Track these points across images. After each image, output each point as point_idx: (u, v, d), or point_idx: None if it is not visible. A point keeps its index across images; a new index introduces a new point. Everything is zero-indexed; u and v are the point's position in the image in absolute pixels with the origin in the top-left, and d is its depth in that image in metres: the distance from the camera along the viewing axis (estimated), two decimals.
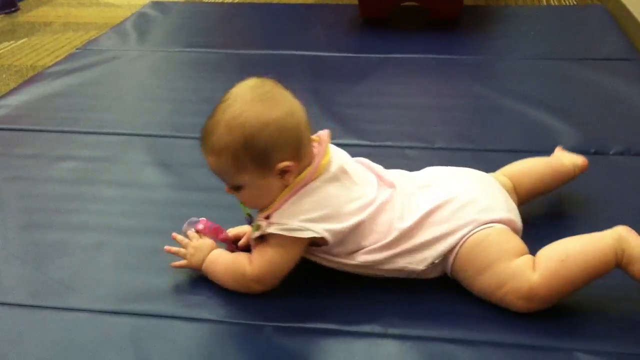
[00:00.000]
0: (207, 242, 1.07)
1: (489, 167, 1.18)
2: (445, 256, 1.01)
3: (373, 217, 1.01)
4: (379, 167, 1.10)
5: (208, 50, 2.08)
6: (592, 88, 1.70)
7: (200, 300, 1.03)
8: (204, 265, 1.05)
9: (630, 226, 0.97)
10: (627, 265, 0.93)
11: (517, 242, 1.00)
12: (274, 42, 2.13)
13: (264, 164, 0.97)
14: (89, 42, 2.22)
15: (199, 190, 1.30)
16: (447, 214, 1.01)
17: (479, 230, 0.99)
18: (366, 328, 0.97)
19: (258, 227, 1.01)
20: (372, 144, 1.48)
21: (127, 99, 1.79)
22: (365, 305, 1.01)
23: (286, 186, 0.99)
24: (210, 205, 1.22)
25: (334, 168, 1.01)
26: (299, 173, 0.99)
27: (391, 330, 0.96)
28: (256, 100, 0.97)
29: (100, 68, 1.96)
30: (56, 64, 2.03)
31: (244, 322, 0.99)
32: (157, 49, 2.12)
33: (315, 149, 1.02)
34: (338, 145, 1.43)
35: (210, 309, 1.02)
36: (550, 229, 1.14)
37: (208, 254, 1.05)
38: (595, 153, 1.39)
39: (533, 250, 0.99)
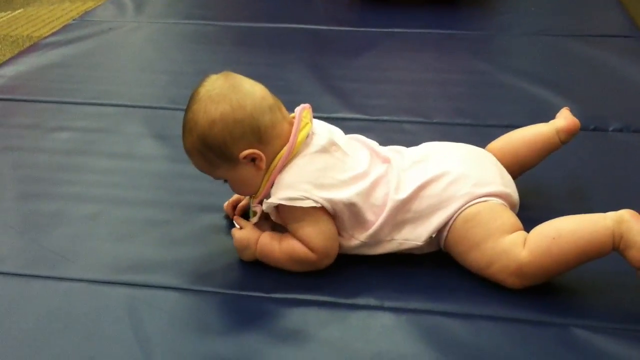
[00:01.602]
0: (250, 236, 1.03)
1: (487, 142, 1.18)
2: (439, 230, 1.00)
3: (369, 192, 1.01)
4: (373, 143, 1.09)
5: (206, 22, 2.06)
6: (591, 64, 1.70)
7: (196, 271, 1.03)
8: (259, 257, 1.03)
9: (628, 202, 0.95)
10: (625, 250, 0.91)
11: (510, 218, 1.00)
12: (273, 15, 2.11)
13: (228, 158, 0.98)
14: (86, 13, 2.20)
15: None
16: (442, 186, 1.01)
17: (472, 204, 0.99)
18: (362, 301, 0.97)
19: (254, 213, 1.02)
20: (371, 118, 1.48)
21: (124, 70, 1.78)
22: (361, 279, 1.01)
23: (262, 170, 0.99)
24: (206, 177, 1.21)
25: (321, 141, 1.01)
26: (274, 155, 0.99)
27: (387, 303, 0.96)
28: (206, 99, 0.98)
29: (97, 39, 1.95)
30: (52, 34, 2.01)
31: (241, 293, 0.99)
32: (155, 20, 2.10)
33: (293, 127, 1.01)
34: (337, 119, 1.44)
35: (206, 279, 1.02)
36: (547, 205, 1.14)
37: (255, 248, 1.02)
38: (595, 129, 1.39)
39: (529, 230, 0.99)
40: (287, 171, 0.99)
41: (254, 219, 1.03)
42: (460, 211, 0.99)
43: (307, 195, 0.98)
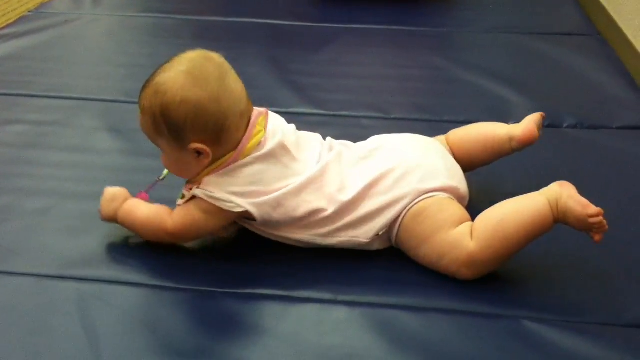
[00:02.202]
0: (121, 193, 1.06)
1: None
2: (389, 227, 1.00)
3: (300, 190, 0.99)
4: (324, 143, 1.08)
5: (164, 15, 2.03)
6: (548, 62, 1.72)
7: (147, 265, 1.02)
8: (118, 215, 1.04)
9: (583, 197, 0.96)
10: (564, 218, 0.94)
11: (456, 211, 1.00)
12: (232, 9, 2.09)
13: (177, 138, 0.96)
14: (42, 4, 2.15)
15: (149, 157, 1.26)
16: (389, 184, 1.00)
17: (420, 201, 0.99)
18: (316, 294, 0.97)
19: (183, 196, 1.01)
20: (329, 113, 1.47)
21: (80, 63, 1.75)
22: (314, 272, 1.01)
23: (203, 165, 0.98)
24: (160, 171, 1.19)
25: (270, 145, 0.99)
26: (221, 156, 0.98)
27: (341, 297, 0.96)
28: (189, 73, 0.95)
29: (53, 31, 1.91)
30: (7, 26, 1.97)
31: (192, 287, 0.98)
32: (112, 13, 2.07)
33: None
34: (295, 113, 1.44)
35: (157, 274, 1.00)
36: (499, 200, 1.14)
37: (121, 204, 1.04)
38: (549, 126, 1.40)
39: None
40: (227, 171, 0.98)
41: (180, 201, 1.01)
42: (407, 208, 0.99)
43: (233, 200, 0.97)
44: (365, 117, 1.46)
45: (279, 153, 1.00)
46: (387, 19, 2.01)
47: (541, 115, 1.15)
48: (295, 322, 0.93)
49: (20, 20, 2.01)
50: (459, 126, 1.34)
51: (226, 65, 0.99)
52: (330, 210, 0.99)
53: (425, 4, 2.15)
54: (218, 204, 0.97)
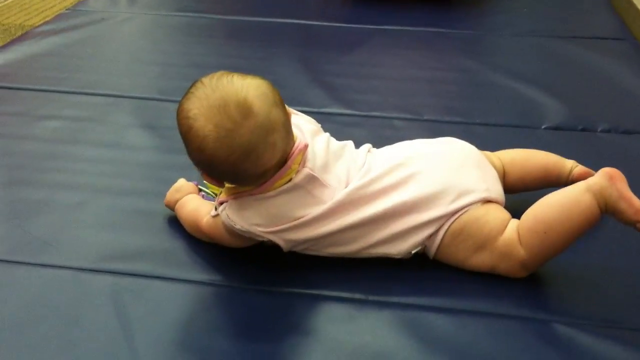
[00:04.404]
0: (187, 186, 1.11)
1: (477, 140, 1.16)
2: (425, 245, 0.99)
3: (325, 217, 0.97)
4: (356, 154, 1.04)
5: (199, 15, 2.06)
6: (582, 66, 1.70)
7: (182, 261, 1.03)
8: (175, 206, 1.09)
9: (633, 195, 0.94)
10: (614, 214, 0.91)
11: (496, 218, 0.97)
12: (265, 10, 2.11)
13: (199, 168, 0.96)
14: (79, 3, 2.19)
15: (182, 153, 1.27)
16: (420, 204, 0.97)
17: (455, 219, 0.97)
18: (347, 294, 0.97)
19: (215, 208, 1.01)
20: (360, 113, 1.48)
21: (114, 60, 1.77)
22: (346, 272, 1.01)
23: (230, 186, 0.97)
24: (193, 167, 1.20)
25: (298, 178, 0.95)
26: (249, 183, 0.95)
27: (371, 297, 0.97)
28: (213, 117, 0.88)
29: (89, 29, 1.94)
30: (44, 23, 2.00)
31: (226, 284, 0.99)
32: (147, 12, 2.09)
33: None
34: (326, 113, 1.44)
35: (192, 270, 1.02)
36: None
37: (183, 197, 1.09)
38: (583, 130, 1.40)
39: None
40: (248, 203, 0.96)
41: (213, 212, 1.01)
42: (445, 230, 0.97)
43: (254, 231, 0.96)
44: (396, 118, 1.46)
45: (307, 183, 0.96)
46: (419, 20, 2.01)
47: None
48: (326, 320, 0.93)
49: (58, 17, 2.04)
50: (490, 129, 1.34)
51: (273, 117, 0.90)
52: (357, 230, 0.98)
53: (457, 6, 2.15)
54: (240, 233, 0.97)
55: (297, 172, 0.95)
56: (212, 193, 1.11)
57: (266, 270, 1.01)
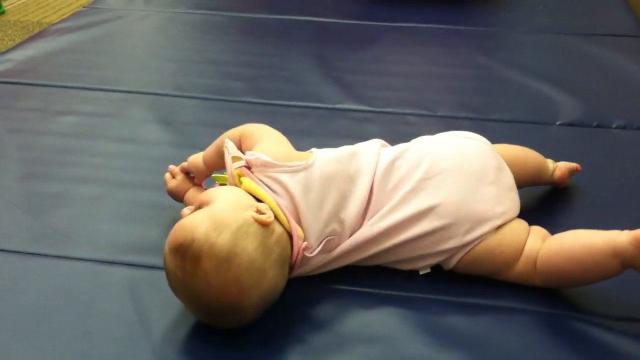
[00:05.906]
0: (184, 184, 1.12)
1: (491, 136, 1.16)
2: (438, 265, 0.99)
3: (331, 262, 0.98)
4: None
5: (214, 12, 2.07)
6: (596, 63, 1.70)
7: None
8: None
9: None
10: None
11: (511, 245, 0.96)
12: (279, 7, 2.12)
13: None
14: (95, 0, 2.21)
15: (198, 149, 1.29)
16: (430, 234, 0.96)
17: (470, 250, 0.96)
18: (360, 287, 0.98)
19: None
20: (374, 109, 1.48)
21: (131, 57, 1.79)
22: (360, 267, 1.00)
23: None
24: None
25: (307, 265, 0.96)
26: None
27: (384, 291, 0.97)
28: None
29: (106, 26, 1.96)
30: (62, 21, 2.03)
31: None
32: (163, 9, 2.11)
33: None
34: (340, 109, 1.45)
35: None
36: (551, 201, 1.16)
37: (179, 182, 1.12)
38: (598, 126, 1.39)
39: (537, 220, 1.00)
40: None
41: None
42: (456, 258, 0.97)
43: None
44: (411, 114, 1.46)
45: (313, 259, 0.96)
46: (433, 17, 2.01)
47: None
48: (339, 313, 0.93)
49: (75, 15, 2.06)
50: (505, 125, 1.34)
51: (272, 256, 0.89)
52: (366, 260, 0.99)
53: (471, 3, 2.15)
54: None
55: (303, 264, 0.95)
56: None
57: None
